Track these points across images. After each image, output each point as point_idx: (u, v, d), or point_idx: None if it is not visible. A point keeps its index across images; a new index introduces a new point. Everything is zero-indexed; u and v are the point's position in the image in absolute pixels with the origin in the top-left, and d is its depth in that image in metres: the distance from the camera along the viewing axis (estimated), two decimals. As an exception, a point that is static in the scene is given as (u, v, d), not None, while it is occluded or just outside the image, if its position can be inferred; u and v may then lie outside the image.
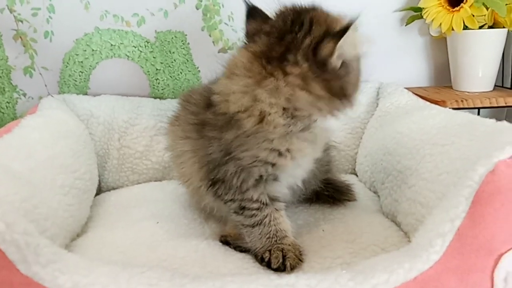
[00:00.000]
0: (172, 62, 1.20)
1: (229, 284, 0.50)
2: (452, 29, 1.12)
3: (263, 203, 0.72)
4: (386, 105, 1.10)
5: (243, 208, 0.72)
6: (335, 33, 0.66)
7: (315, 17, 0.68)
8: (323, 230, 0.79)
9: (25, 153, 0.79)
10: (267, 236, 0.71)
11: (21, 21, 1.11)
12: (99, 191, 1.04)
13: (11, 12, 1.10)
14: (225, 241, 0.77)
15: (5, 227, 0.47)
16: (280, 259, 0.69)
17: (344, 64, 0.67)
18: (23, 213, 0.60)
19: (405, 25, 1.25)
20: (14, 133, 0.84)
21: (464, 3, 1.08)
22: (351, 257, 0.71)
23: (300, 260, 0.69)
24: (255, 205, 0.71)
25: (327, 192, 0.89)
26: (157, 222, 0.81)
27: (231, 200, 0.72)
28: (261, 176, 0.70)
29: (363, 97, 1.19)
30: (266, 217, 0.72)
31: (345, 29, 0.65)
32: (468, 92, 1.17)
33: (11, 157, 0.75)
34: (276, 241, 0.71)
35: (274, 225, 0.72)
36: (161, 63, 1.20)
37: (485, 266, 0.54)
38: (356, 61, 0.70)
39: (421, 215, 0.75)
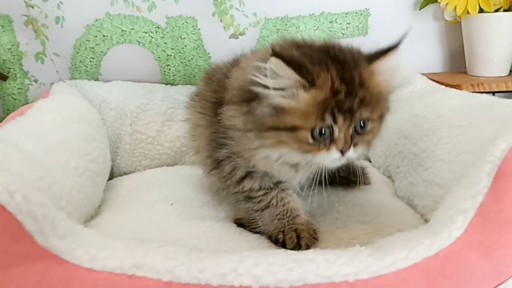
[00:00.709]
0: (183, 47, 1.20)
1: (246, 259, 0.50)
2: (467, 13, 1.10)
3: (267, 188, 0.72)
4: (400, 89, 1.09)
5: (248, 197, 0.72)
6: None
7: None
8: (338, 212, 0.78)
9: (38, 136, 0.78)
10: (278, 217, 0.71)
11: (32, 7, 1.11)
12: (111, 176, 1.03)
13: (22, -2, 1.10)
14: (240, 223, 0.77)
15: (22, 199, 0.47)
16: (294, 239, 0.68)
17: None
18: (38, 190, 0.59)
19: (419, 10, 1.23)
20: (27, 116, 0.84)
21: (480, -15, 1.06)
22: (368, 238, 0.70)
23: (315, 239, 0.69)
24: (260, 192, 0.72)
25: (342, 175, 0.87)
26: (171, 204, 0.81)
27: (227, 188, 0.73)
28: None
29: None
30: (272, 199, 0.72)
31: None
32: (483, 77, 1.15)
33: (24, 139, 0.75)
34: (288, 221, 0.71)
35: (283, 205, 0.72)
36: (172, 48, 1.20)
37: (509, 241, 0.53)
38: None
39: (438, 196, 0.74)
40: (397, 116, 1.02)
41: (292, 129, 0.62)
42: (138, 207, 0.81)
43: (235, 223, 0.77)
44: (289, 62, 0.59)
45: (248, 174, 0.71)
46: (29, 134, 0.77)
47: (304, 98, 0.61)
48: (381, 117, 0.68)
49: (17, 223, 0.47)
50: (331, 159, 0.64)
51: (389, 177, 0.99)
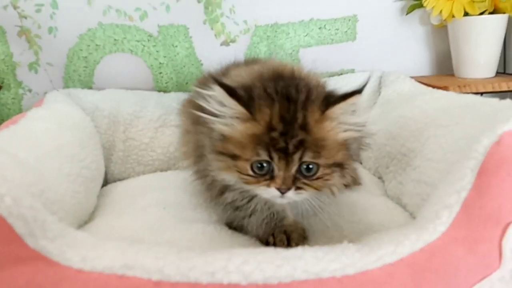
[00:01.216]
0: (175, 55, 1.21)
1: (235, 257, 0.50)
2: (453, 16, 1.13)
3: (249, 196, 0.71)
4: (388, 92, 1.11)
5: (232, 206, 0.73)
6: None
7: None
8: (328, 212, 0.79)
9: (31, 143, 0.79)
10: (265, 221, 0.72)
11: (25, 17, 1.12)
12: (105, 182, 1.04)
13: (15, 9, 1.11)
14: (232, 227, 0.77)
15: (12, 202, 0.48)
16: (284, 241, 0.69)
17: None
18: (29, 194, 0.60)
19: (406, 15, 1.25)
20: (20, 124, 0.85)
21: (465, -11, 1.08)
22: (358, 236, 0.70)
23: (305, 238, 0.70)
24: (244, 201, 0.72)
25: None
26: (164, 208, 0.81)
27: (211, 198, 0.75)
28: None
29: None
30: (257, 204, 0.72)
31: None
32: (470, 78, 1.17)
33: (17, 146, 0.75)
34: (276, 224, 0.71)
35: (268, 208, 0.72)
36: (164, 56, 1.21)
37: (493, 236, 0.54)
38: None
39: (426, 194, 0.75)
40: (386, 118, 1.04)
41: (234, 157, 0.63)
42: (131, 212, 0.82)
43: (227, 226, 0.77)
44: (231, 92, 0.61)
45: (227, 187, 0.71)
46: (21, 141, 0.78)
47: (240, 128, 0.62)
48: (338, 165, 0.66)
49: (7, 226, 0.47)
50: (270, 195, 0.64)
51: (379, 177, 1.00)
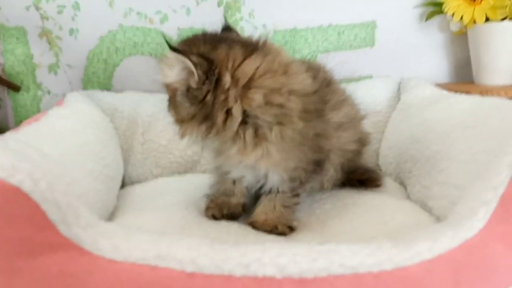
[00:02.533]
0: (194, 59, 1.21)
1: (270, 249, 0.49)
2: (474, 22, 1.12)
3: None
4: (409, 97, 1.10)
5: None
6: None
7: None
8: (354, 213, 0.78)
9: (54, 139, 0.79)
10: None
11: (47, 19, 1.13)
12: (122, 185, 1.03)
13: (37, 10, 1.12)
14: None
15: (46, 187, 0.47)
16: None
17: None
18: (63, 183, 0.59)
19: (425, 21, 1.25)
20: (42, 121, 0.85)
21: (486, -5, 1.08)
22: (385, 237, 0.68)
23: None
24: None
25: (355, 176, 0.88)
26: (186, 208, 0.80)
27: None
28: None
29: (384, 91, 1.19)
30: None
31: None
32: (491, 85, 1.16)
33: (41, 142, 0.75)
34: None
35: None
36: (183, 60, 1.21)
37: (532, 231, 0.53)
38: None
39: (455, 196, 0.73)
40: (407, 122, 1.03)
41: None
42: (153, 211, 0.81)
43: (250, 225, 0.76)
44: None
45: None
46: (45, 137, 0.78)
47: None
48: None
49: (41, 212, 0.47)
50: None
51: (401, 183, 0.98)
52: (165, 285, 0.46)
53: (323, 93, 0.74)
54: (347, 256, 0.49)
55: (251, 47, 0.67)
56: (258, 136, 0.66)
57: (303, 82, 0.68)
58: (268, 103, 0.64)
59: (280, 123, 0.66)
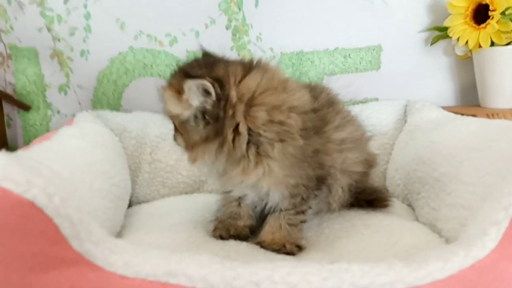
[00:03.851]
0: (202, 80, 1.23)
1: (280, 268, 0.49)
2: (479, 46, 1.14)
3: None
4: (416, 119, 1.11)
5: None
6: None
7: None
8: (362, 234, 0.77)
9: (64, 158, 0.80)
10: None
11: (59, 40, 1.16)
12: (129, 204, 1.03)
13: (49, 31, 1.15)
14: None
15: (60, 202, 0.48)
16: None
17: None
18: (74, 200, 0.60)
19: (430, 45, 1.27)
20: (53, 140, 0.86)
21: (491, 19, 1.10)
22: (395, 258, 0.68)
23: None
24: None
25: (363, 197, 0.88)
26: (194, 227, 0.80)
27: None
28: None
29: (390, 114, 1.20)
30: None
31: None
32: (497, 108, 1.17)
33: (51, 160, 0.76)
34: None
35: None
36: (191, 81, 1.23)
37: (544, 252, 0.53)
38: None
39: (464, 218, 0.73)
40: (414, 144, 1.04)
41: None
42: (160, 230, 0.81)
43: (258, 244, 0.76)
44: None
45: None
46: (55, 156, 0.78)
47: None
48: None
49: (54, 226, 0.47)
50: None
51: (409, 205, 0.98)
52: (176, 302, 0.46)
53: (323, 112, 0.75)
54: (358, 275, 0.49)
55: (248, 65, 0.69)
56: (260, 154, 0.67)
57: (301, 98, 0.70)
58: (270, 120, 0.66)
59: (281, 140, 0.67)
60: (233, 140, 0.66)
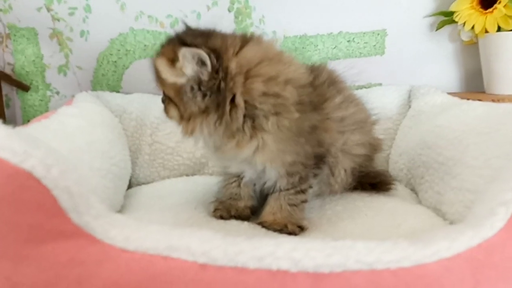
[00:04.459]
0: (203, 63, 1.21)
1: (284, 243, 0.48)
2: (485, 31, 1.12)
3: None
4: (420, 104, 1.09)
5: None
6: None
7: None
8: (366, 215, 0.76)
9: (63, 136, 0.78)
10: None
11: (58, 20, 1.14)
12: (129, 186, 1.02)
13: (48, 11, 1.13)
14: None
15: (58, 173, 0.46)
16: None
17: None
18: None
19: (436, 30, 1.25)
20: (52, 119, 0.84)
21: (498, 4, 1.08)
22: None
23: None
24: None
25: (367, 180, 0.87)
26: (195, 208, 0.79)
27: None
28: None
29: (394, 99, 1.19)
30: None
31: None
32: (502, 95, 1.15)
33: (50, 138, 0.75)
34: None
35: None
36: (193, 64, 1.21)
37: (553, 232, 0.51)
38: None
39: (469, 201, 0.72)
40: (418, 129, 1.02)
41: None
42: (161, 210, 0.80)
43: (260, 225, 0.75)
44: None
45: None
46: (54, 134, 0.77)
47: None
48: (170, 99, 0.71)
49: (52, 198, 0.46)
50: None
51: (412, 189, 0.97)
52: (177, 275, 0.45)
53: (323, 89, 0.75)
54: (363, 252, 0.48)
55: (245, 37, 0.68)
56: (255, 127, 0.66)
57: (297, 71, 0.69)
58: (265, 92, 0.64)
59: (276, 113, 0.66)
60: (230, 112, 0.65)
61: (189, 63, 0.63)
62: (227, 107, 0.64)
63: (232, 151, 0.68)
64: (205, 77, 0.63)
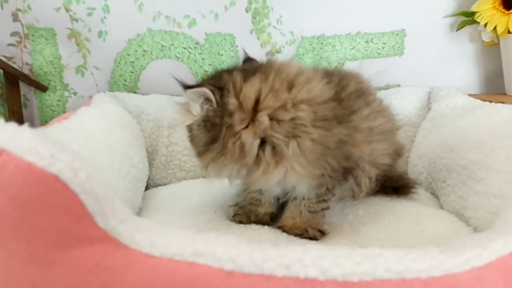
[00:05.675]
0: (220, 64, 1.21)
1: (311, 251, 0.47)
2: (508, 32, 1.10)
3: None
4: (440, 106, 1.07)
5: None
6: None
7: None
8: (388, 220, 0.75)
9: (83, 137, 0.78)
10: None
11: (76, 20, 1.14)
12: (146, 187, 1.02)
13: (67, 11, 1.13)
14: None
15: (86, 177, 0.46)
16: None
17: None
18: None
19: (456, 31, 1.23)
20: (71, 119, 0.84)
21: (522, 4, 1.06)
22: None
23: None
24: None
25: (390, 184, 0.86)
26: (215, 211, 0.78)
27: None
28: None
29: (413, 101, 1.17)
30: None
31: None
32: (524, 97, 1.13)
33: (71, 139, 0.75)
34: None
35: None
36: (210, 64, 1.21)
37: None
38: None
39: (495, 206, 0.71)
40: (439, 132, 1.01)
41: None
42: (180, 213, 0.79)
43: (280, 229, 0.74)
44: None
45: None
46: (74, 135, 0.77)
47: None
48: None
49: (79, 202, 0.45)
50: None
51: (432, 193, 0.95)
52: (203, 282, 0.44)
53: (349, 101, 0.72)
54: (393, 260, 0.47)
55: (250, 71, 0.67)
56: (277, 154, 0.65)
57: (313, 90, 0.66)
58: (276, 122, 0.64)
59: (295, 136, 0.64)
60: (241, 148, 0.64)
61: (196, 103, 0.65)
62: (230, 143, 0.64)
63: (262, 178, 0.67)
64: (211, 113, 0.64)
